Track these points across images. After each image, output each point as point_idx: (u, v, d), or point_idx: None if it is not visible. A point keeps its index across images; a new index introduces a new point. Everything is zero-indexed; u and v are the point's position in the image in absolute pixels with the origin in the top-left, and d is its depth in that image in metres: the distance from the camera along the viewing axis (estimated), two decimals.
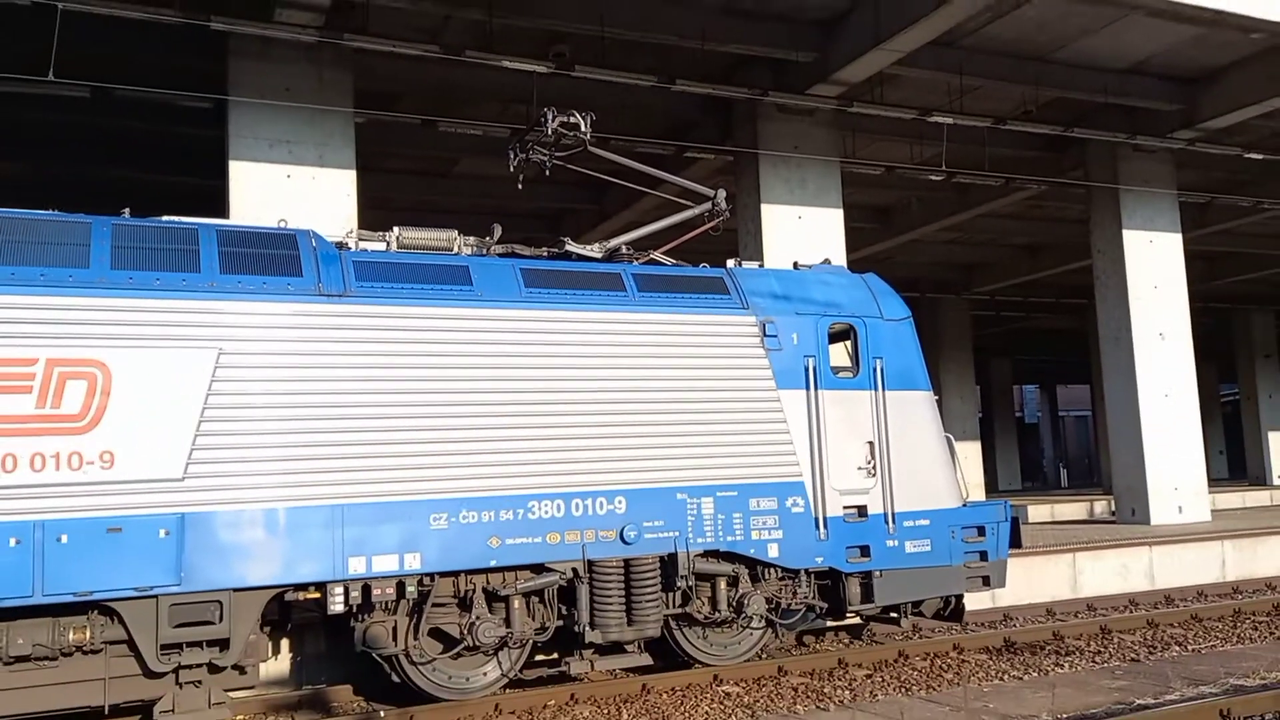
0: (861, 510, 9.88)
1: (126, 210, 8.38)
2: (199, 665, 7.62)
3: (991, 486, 37.76)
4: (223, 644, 7.63)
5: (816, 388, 9.84)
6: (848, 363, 10.38)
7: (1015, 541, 10.77)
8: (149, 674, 7.51)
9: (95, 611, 7.34)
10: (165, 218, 8.34)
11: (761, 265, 10.90)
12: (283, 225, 8.76)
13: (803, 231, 16.17)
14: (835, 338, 10.35)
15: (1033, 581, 14.06)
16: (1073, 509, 26.62)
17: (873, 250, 25.42)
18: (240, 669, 7.90)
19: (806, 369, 9.84)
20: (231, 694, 8.12)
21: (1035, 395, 57.41)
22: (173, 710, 7.60)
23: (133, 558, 7.25)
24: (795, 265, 10.94)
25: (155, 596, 7.37)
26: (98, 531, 7.17)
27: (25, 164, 17.02)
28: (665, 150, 17.14)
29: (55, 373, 7.21)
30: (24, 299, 7.20)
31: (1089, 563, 14.60)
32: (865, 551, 9.83)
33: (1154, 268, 19.34)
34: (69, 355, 7.27)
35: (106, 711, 7.76)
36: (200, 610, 7.52)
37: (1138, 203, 19.31)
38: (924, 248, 27.33)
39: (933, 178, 18.88)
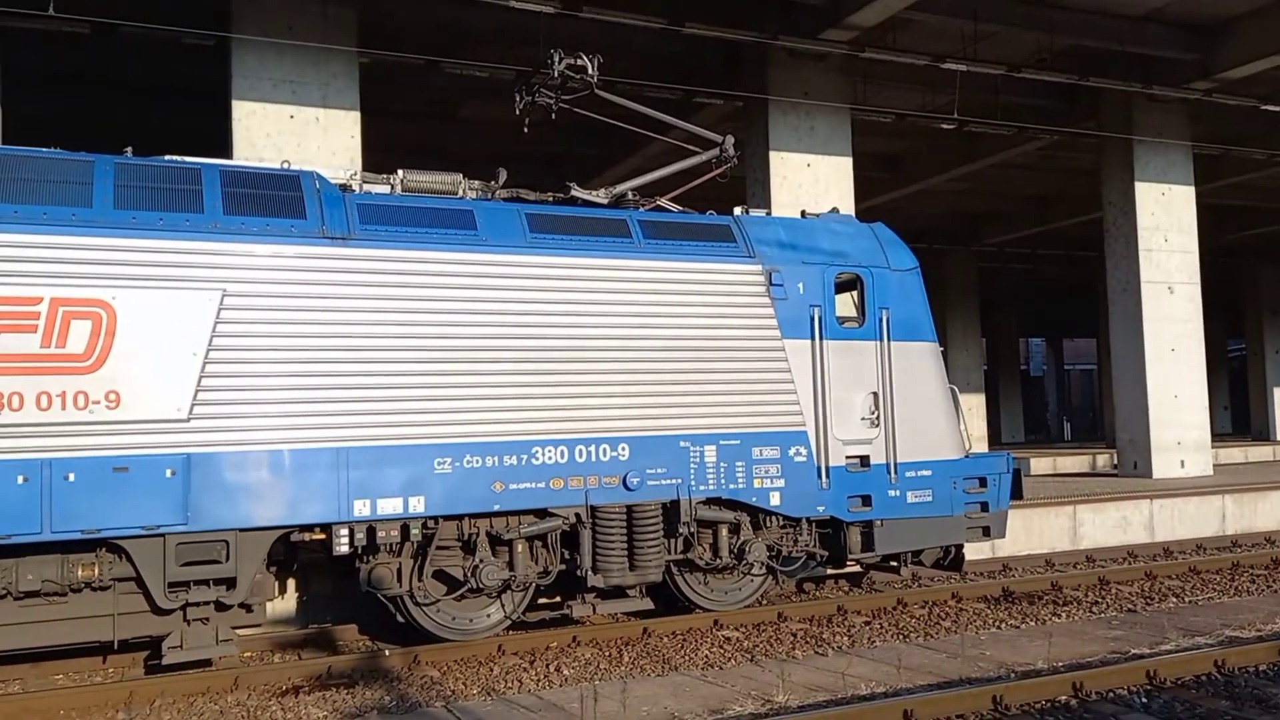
0: (864, 460, 9.93)
1: (129, 149, 8.32)
2: (206, 603, 7.74)
3: (995, 439, 37.90)
4: (229, 583, 7.74)
5: (821, 338, 9.83)
6: (854, 313, 10.36)
7: (1017, 493, 10.84)
8: (157, 611, 7.63)
9: (103, 549, 7.44)
10: (168, 157, 8.28)
11: (769, 213, 10.83)
12: (286, 166, 8.70)
13: (811, 180, 16.03)
14: (842, 287, 10.32)
15: (1033, 533, 14.17)
16: (1075, 462, 26.74)
17: (881, 200, 25.21)
18: (247, 607, 8.02)
19: (812, 319, 9.82)
20: (239, 631, 8.25)
21: (1041, 348, 57.34)
22: (181, 646, 7.75)
23: (139, 497, 7.32)
24: (803, 214, 10.87)
25: (162, 535, 7.46)
26: (104, 470, 7.24)
27: (25, 103, 16.86)
28: (673, 95, 16.93)
29: (60, 312, 7.22)
30: (28, 238, 7.19)
31: (1089, 515, 14.70)
32: (867, 501, 9.90)
33: (1165, 220, 19.17)
34: (73, 295, 7.27)
35: (116, 647, 7.90)
36: (207, 549, 7.62)
37: (1151, 154, 19.09)
38: (933, 198, 27.09)
39: (944, 126, 18.66)
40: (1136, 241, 18.92)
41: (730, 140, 10.86)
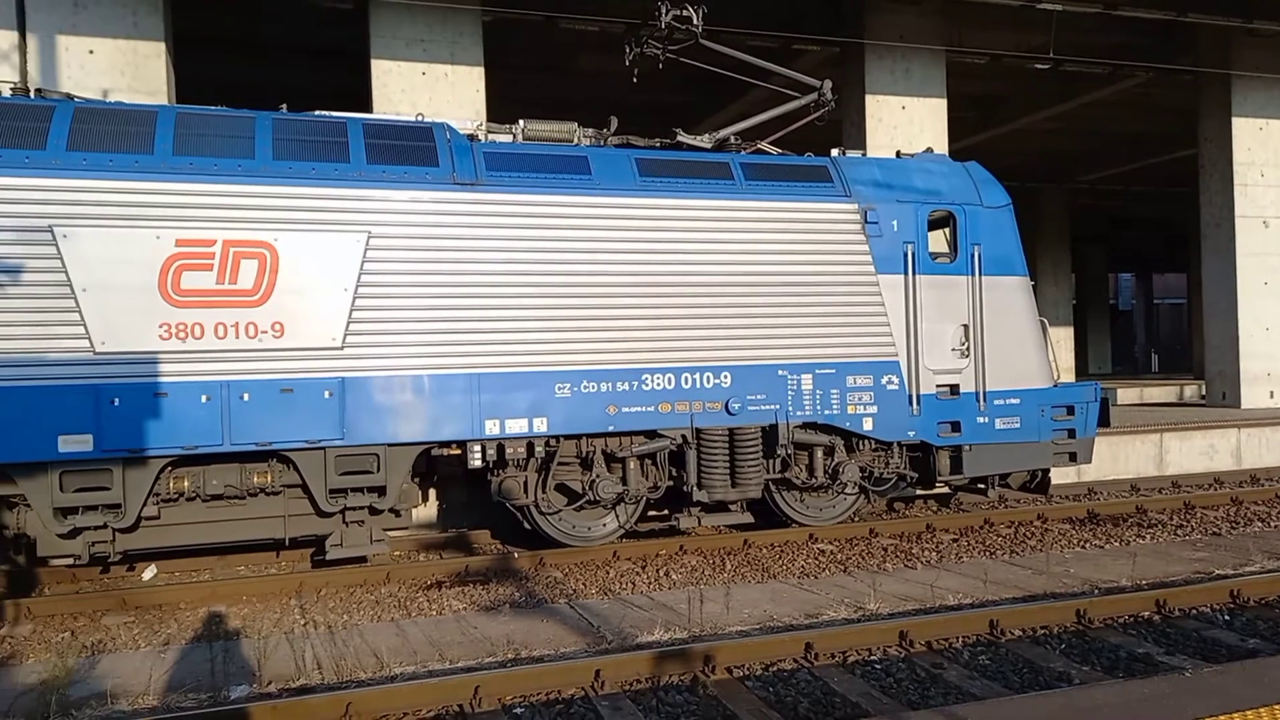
0: (954, 388, 9.71)
1: (284, 106, 8.56)
2: (361, 508, 8.14)
3: (1082, 370, 36.39)
4: (380, 490, 8.12)
5: (914, 272, 9.57)
6: (946, 248, 10.03)
7: (1104, 421, 10.44)
8: (320, 514, 8.08)
9: (274, 459, 7.88)
10: (318, 112, 8.50)
11: (864, 155, 10.50)
12: (420, 119, 8.83)
13: (906, 121, 15.42)
14: (935, 224, 9.99)
15: (1118, 459, 13.66)
16: (1162, 392, 25.51)
17: (974, 141, 24.07)
18: (395, 512, 8.42)
19: (905, 255, 9.56)
20: (389, 533, 8.68)
21: (1130, 283, 54.45)
22: (340, 544, 8.20)
23: (303, 414, 7.71)
24: (898, 154, 10.51)
25: (323, 448, 7.86)
26: (273, 391, 7.64)
27: (191, 66, 17.47)
28: (773, 43, 16.42)
29: (231, 252, 7.58)
30: (203, 186, 7.53)
31: (1176, 442, 14.06)
32: (956, 427, 9.71)
33: (1262, 155, 17.81)
34: (242, 237, 7.61)
35: (287, 543, 8.42)
36: (361, 461, 7.99)
37: (1249, 89, 17.67)
38: (1026, 138, 25.70)
39: (1038, 67, 17.61)
40: (1231, 177, 17.66)
41: (828, 85, 10.52)
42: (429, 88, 12.60)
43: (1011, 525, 10.19)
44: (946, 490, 11.15)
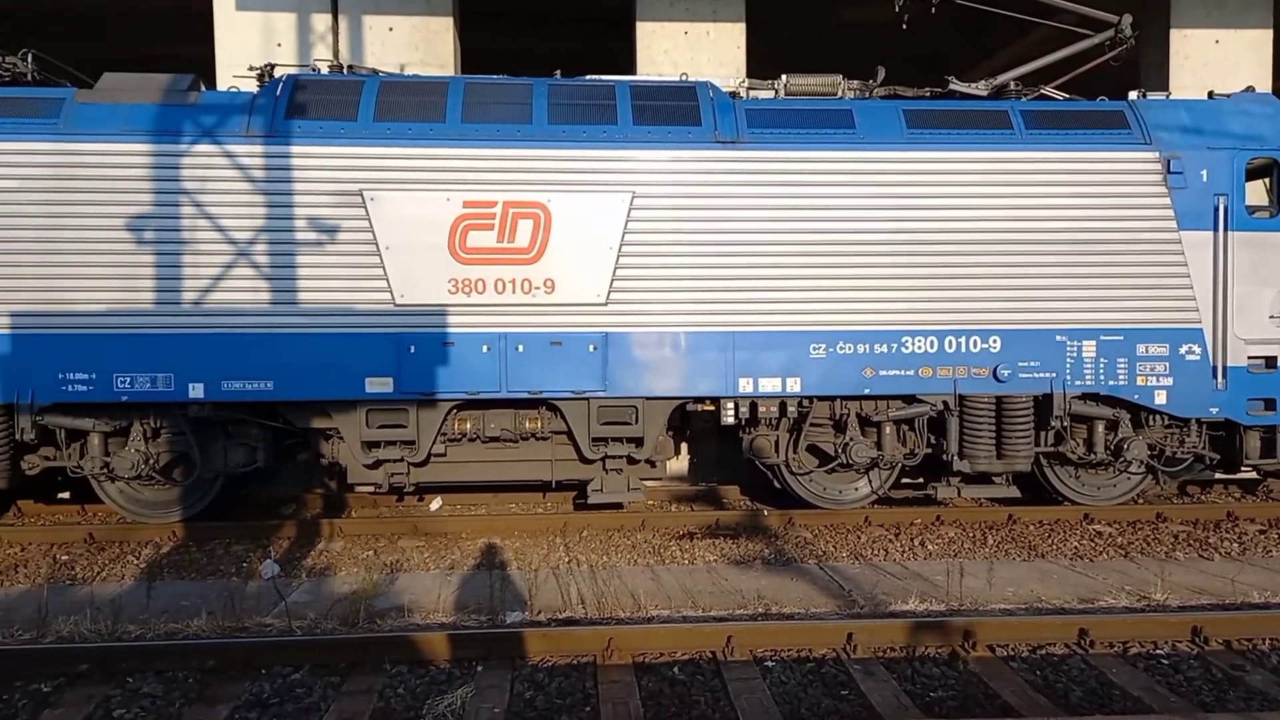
0: (1270, 361, 8.54)
1: (558, 72, 8.99)
2: (620, 457, 8.54)
3: None
4: (637, 441, 8.47)
5: (1226, 229, 8.47)
6: (1267, 201, 8.78)
7: None
8: (583, 460, 8.56)
9: (544, 407, 8.44)
10: (588, 77, 8.84)
11: (1168, 97, 9.37)
12: (684, 79, 8.95)
13: (1219, 58, 13.55)
14: (1254, 174, 8.76)
15: None
16: None
17: None
18: (651, 463, 8.76)
19: (1215, 208, 8.47)
20: (644, 482, 9.04)
21: None
22: (600, 489, 8.65)
23: (569, 366, 8.18)
24: (1210, 95, 9.28)
25: (587, 399, 8.31)
26: (544, 344, 8.16)
27: (473, 37, 18.73)
28: None
29: (510, 213, 8.12)
30: (488, 151, 8.10)
31: None
32: (1270, 405, 8.56)
33: None
34: (519, 198, 8.13)
35: (553, 486, 9.01)
36: (620, 412, 8.37)
37: None
38: None
39: None
40: None
41: (1128, 19, 9.45)
42: (690, 47, 12.72)
43: None
44: (1255, 476, 9.90)
